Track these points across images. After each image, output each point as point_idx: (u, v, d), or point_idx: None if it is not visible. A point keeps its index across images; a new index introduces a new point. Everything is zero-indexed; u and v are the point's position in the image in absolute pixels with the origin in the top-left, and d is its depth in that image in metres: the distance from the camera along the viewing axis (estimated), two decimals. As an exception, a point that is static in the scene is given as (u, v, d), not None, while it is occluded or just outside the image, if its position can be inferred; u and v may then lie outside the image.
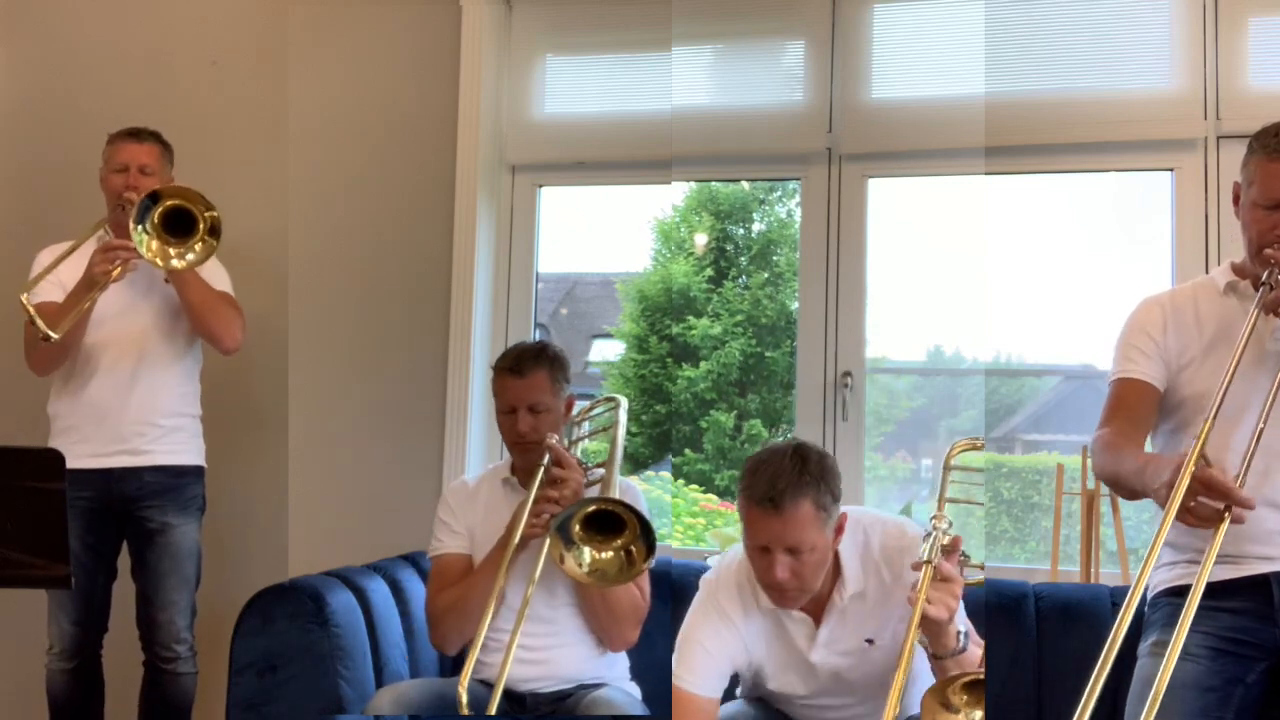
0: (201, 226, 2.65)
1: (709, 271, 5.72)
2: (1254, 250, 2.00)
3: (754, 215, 5.79)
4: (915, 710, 2.08)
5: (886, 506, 3.88)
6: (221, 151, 3.38)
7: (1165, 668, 1.58)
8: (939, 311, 3.23)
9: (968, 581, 2.00)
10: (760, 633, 2.14)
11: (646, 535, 2.14)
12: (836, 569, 2.09)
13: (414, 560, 2.83)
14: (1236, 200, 2.05)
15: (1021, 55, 2.93)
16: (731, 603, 2.13)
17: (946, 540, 1.96)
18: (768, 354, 5.40)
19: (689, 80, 3.18)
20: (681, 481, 4.84)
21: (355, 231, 3.34)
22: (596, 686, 2.36)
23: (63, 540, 1.82)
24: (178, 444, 2.88)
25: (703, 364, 5.50)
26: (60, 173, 3.44)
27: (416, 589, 2.70)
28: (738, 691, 2.29)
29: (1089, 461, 2.40)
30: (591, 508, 2.15)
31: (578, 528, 2.15)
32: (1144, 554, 2.85)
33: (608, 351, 5.89)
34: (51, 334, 2.60)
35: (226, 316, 2.86)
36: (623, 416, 2.52)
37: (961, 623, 1.96)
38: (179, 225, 2.65)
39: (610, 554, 2.17)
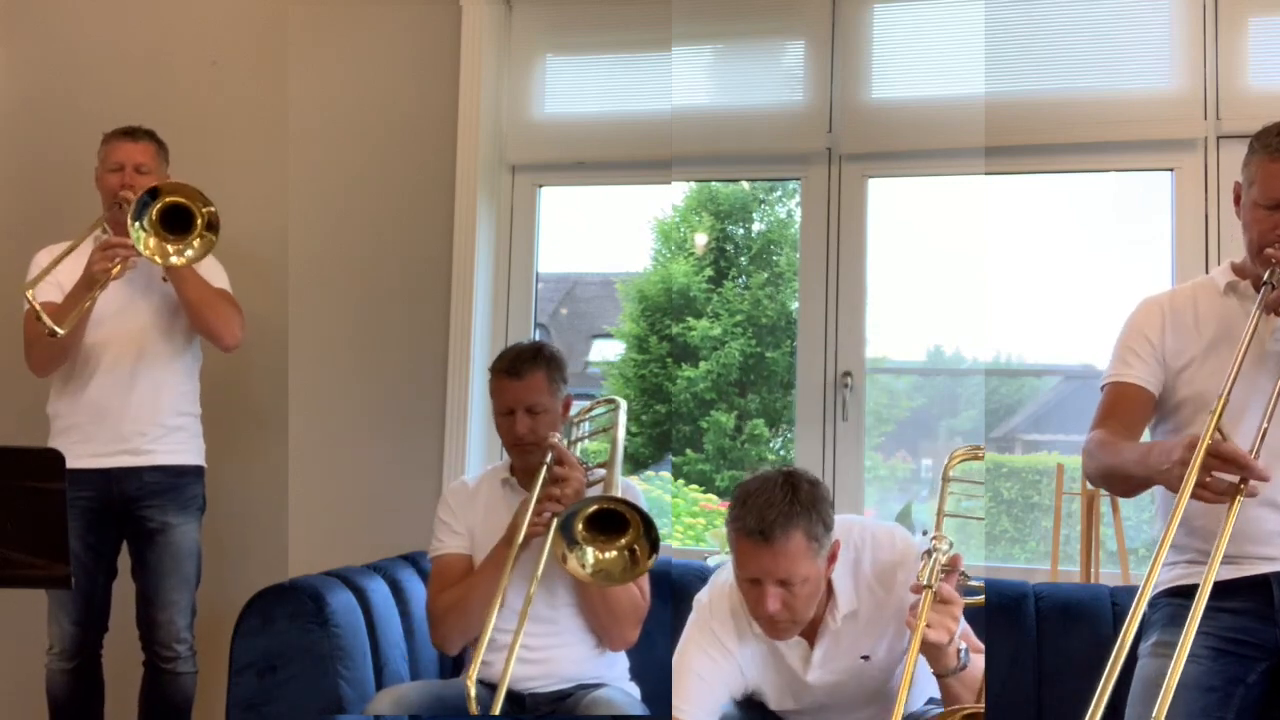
0: (199, 223, 2.65)
1: (709, 271, 5.71)
2: (1255, 250, 2.00)
3: (754, 215, 5.79)
4: (915, 707, 2.09)
5: (886, 506, 3.88)
6: (221, 151, 3.38)
7: (1174, 669, 1.58)
8: (939, 311, 3.23)
9: (967, 602, 1.98)
10: (755, 658, 2.13)
11: (650, 533, 2.13)
12: (829, 590, 2.07)
13: (414, 560, 2.82)
14: (1237, 200, 2.05)
15: (1021, 55, 2.93)
16: (725, 629, 2.11)
17: (945, 560, 1.93)
18: (768, 354, 5.39)
19: (689, 80, 3.18)
20: (681, 481, 4.83)
21: (355, 231, 3.34)
22: (596, 686, 2.36)
23: (63, 540, 1.82)
24: (178, 444, 2.88)
25: (702, 364, 5.50)
26: (60, 173, 3.44)
27: (416, 589, 2.70)
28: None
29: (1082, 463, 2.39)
30: (595, 506, 2.14)
31: (581, 527, 2.15)
32: (1144, 554, 2.86)
33: (608, 351, 5.89)
34: (58, 329, 2.60)
35: (225, 313, 2.86)
36: (622, 417, 2.52)
37: (962, 639, 1.94)
38: (177, 222, 2.65)
39: (614, 553, 2.16)
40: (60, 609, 2.83)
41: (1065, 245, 3.05)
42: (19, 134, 3.60)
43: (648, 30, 3.17)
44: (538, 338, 3.44)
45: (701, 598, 2.19)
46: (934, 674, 1.94)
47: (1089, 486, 2.64)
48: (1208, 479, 1.74)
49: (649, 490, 4.37)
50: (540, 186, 3.36)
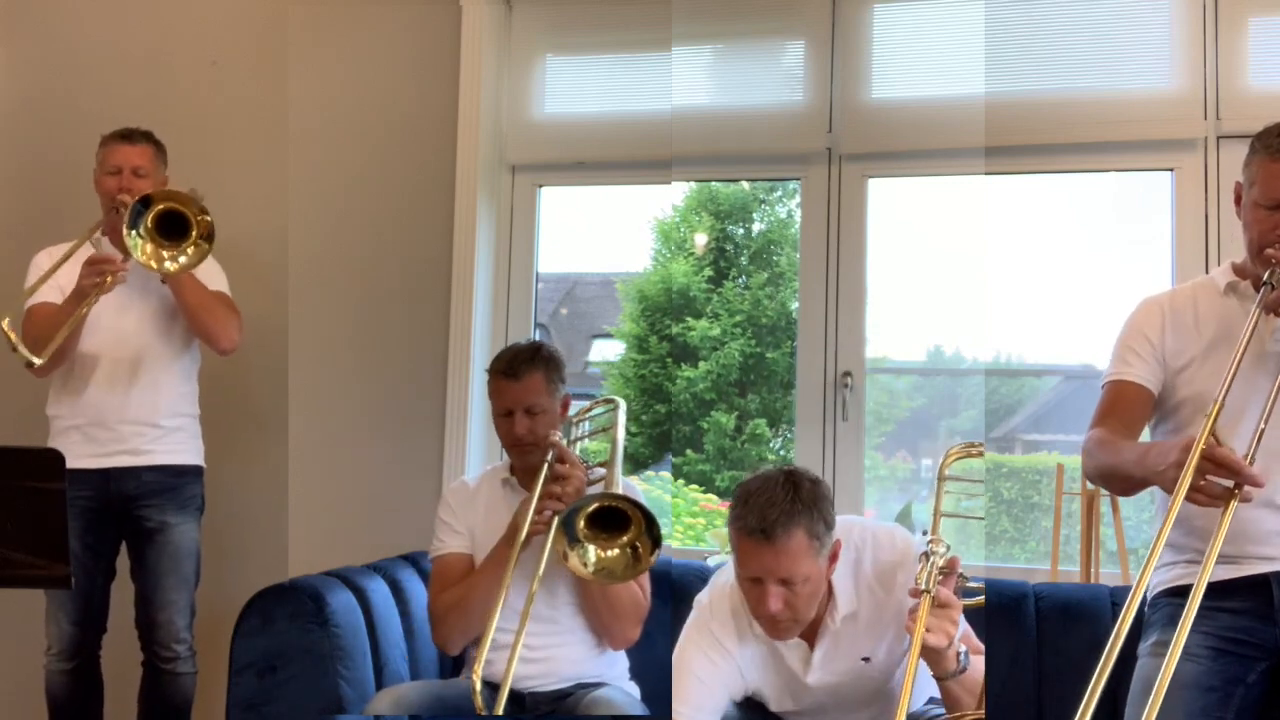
0: (194, 232, 2.63)
1: (709, 271, 5.71)
2: (1255, 250, 2.00)
3: (754, 215, 5.79)
4: (916, 707, 2.08)
5: (886, 506, 3.88)
6: (221, 151, 3.38)
7: (1166, 668, 1.58)
8: (939, 311, 3.23)
9: (966, 604, 1.98)
10: (755, 659, 2.13)
11: (652, 530, 2.12)
12: (829, 591, 2.07)
13: (414, 560, 2.82)
14: (1238, 200, 2.05)
15: (1021, 55, 2.93)
16: (725, 631, 2.11)
17: (943, 562, 1.92)
18: (768, 354, 5.40)
19: (689, 80, 3.18)
20: (681, 482, 4.83)
21: (355, 231, 3.34)
22: (596, 686, 2.36)
23: (63, 540, 1.82)
24: (177, 444, 2.88)
25: (702, 364, 5.50)
26: (60, 173, 3.44)
27: (416, 589, 2.70)
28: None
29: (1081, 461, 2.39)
30: (597, 504, 2.14)
31: (582, 524, 2.14)
32: (1144, 554, 2.86)
33: (608, 351, 5.89)
34: (35, 360, 2.61)
35: (223, 317, 2.86)
36: (621, 417, 2.52)
37: (962, 641, 1.94)
38: (174, 227, 2.63)
39: (616, 551, 2.16)
40: (59, 609, 2.83)
41: (1065, 245, 3.05)
42: (19, 134, 3.60)
43: (648, 30, 3.17)
44: (538, 338, 3.44)
45: (702, 598, 2.19)
46: (934, 677, 1.94)
47: (1089, 486, 2.64)
48: (1202, 483, 1.74)
49: (649, 490, 4.37)
50: (540, 186, 3.36)
